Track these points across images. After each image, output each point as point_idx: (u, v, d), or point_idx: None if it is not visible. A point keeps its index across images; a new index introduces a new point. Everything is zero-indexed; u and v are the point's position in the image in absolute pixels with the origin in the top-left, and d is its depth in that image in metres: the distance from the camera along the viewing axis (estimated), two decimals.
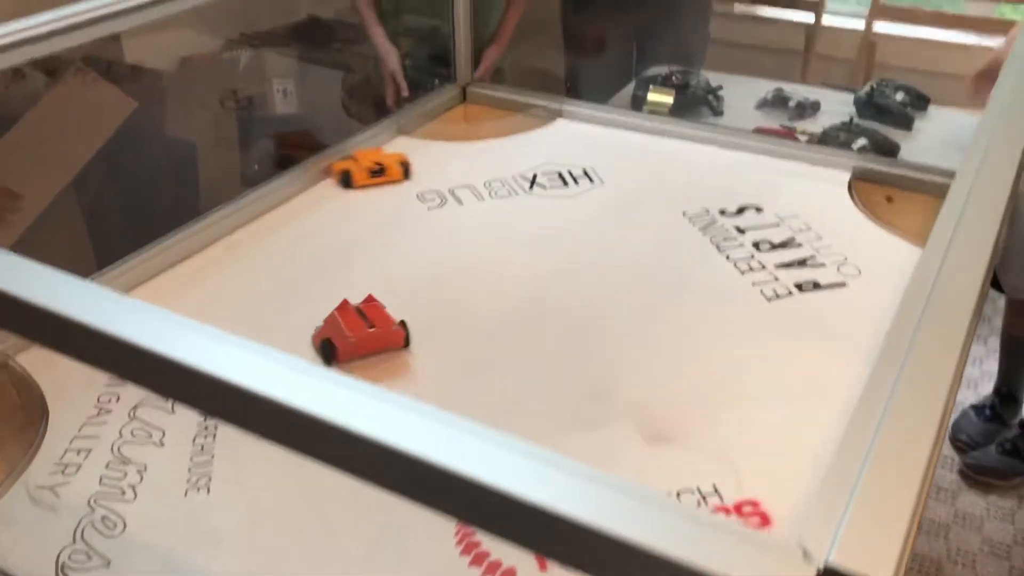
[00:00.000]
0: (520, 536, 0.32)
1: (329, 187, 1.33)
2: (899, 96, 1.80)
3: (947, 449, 1.95)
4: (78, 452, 0.84)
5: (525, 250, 1.17)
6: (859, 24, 2.70)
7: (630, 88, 1.86)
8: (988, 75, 1.52)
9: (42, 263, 0.46)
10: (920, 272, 0.61)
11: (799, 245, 1.16)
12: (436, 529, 0.74)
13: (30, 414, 0.88)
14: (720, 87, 1.82)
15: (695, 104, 1.77)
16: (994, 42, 1.97)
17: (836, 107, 1.80)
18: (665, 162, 1.40)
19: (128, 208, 1.95)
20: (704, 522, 0.32)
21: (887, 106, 1.77)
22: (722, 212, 1.24)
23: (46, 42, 0.94)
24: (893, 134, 1.67)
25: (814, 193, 1.29)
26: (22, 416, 0.88)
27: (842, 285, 1.08)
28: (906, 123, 1.75)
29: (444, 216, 1.25)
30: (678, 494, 0.78)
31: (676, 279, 1.11)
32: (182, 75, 2.19)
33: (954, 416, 1.99)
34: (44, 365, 0.93)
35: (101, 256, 1.81)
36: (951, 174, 0.75)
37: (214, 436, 0.86)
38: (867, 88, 1.82)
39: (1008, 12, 2.69)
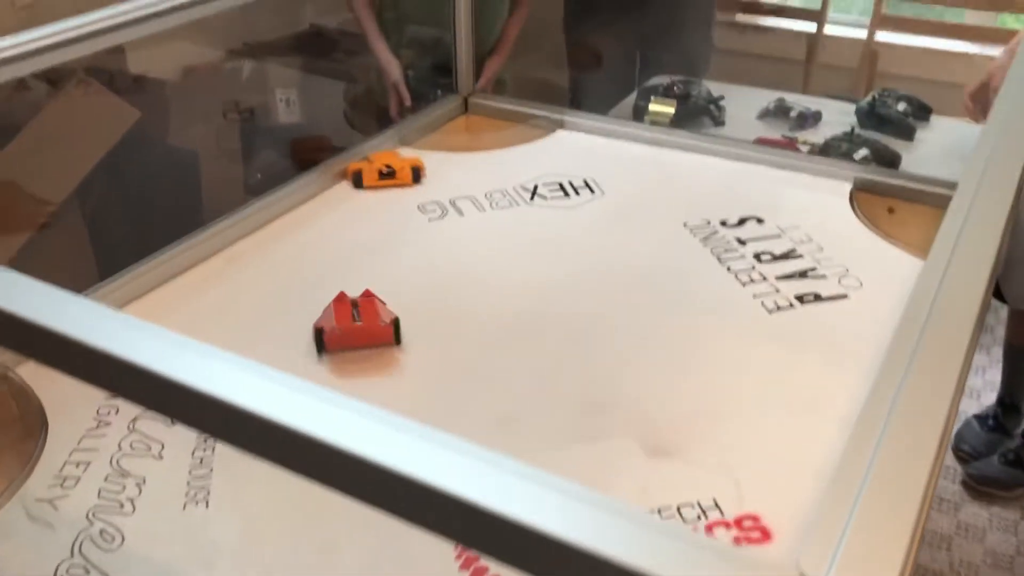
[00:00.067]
0: (508, 556, 0.32)
1: (335, 193, 1.34)
2: (901, 106, 1.79)
3: (949, 459, 1.94)
4: (77, 465, 0.84)
5: (526, 260, 1.17)
6: (861, 33, 2.70)
7: (631, 98, 1.86)
8: (982, 92, 1.52)
9: (38, 278, 0.46)
10: (922, 284, 0.61)
11: (800, 256, 1.16)
12: (435, 544, 0.74)
13: (29, 426, 0.88)
14: (722, 97, 1.82)
15: (696, 114, 1.77)
16: (996, 51, 1.97)
17: (838, 117, 1.80)
18: (666, 172, 1.39)
19: (131, 217, 1.96)
20: (701, 544, 0.32)
21: (889, 116, 1.77)
22: (723, 223, 1.24)
23: (50, 54, 0.95)
24: (895, 144, 1.67)
25: (815, 204, 1.29)
26: (21, 428, 0.88)
27: (843, 297, 1.07)
28: (908, 133, 1.75)
29: (445, 227, 1.25)
30: (678, 508, 0.78)
31: (677, 290, 1.10)
32: (185, 85, 2.20)
33: (957, 426, 1.98)
34: (43, 377, 0.92)
35: (103, 265, 1.82)
36: (953, 185, 0.75)
37: (213, 449, 0.86)
38: (869, 98, 1.82)
39: (1010, 21, 2.70)
